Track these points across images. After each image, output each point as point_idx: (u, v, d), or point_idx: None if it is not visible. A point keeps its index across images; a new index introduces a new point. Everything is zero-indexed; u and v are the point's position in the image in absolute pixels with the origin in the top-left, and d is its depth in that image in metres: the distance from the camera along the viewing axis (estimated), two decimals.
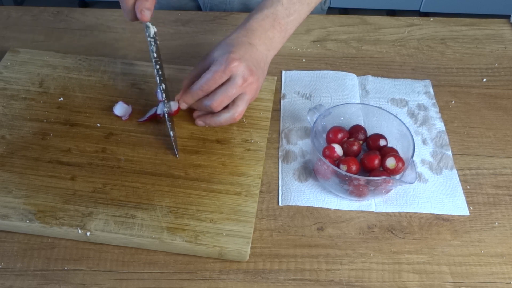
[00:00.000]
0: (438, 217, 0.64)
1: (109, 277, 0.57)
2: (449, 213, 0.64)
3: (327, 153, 0.65)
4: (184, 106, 0.70)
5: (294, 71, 0.83)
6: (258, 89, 0.70)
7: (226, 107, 0.68)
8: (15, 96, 0.74)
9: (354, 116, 0.71)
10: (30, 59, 0.80)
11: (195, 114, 0.71)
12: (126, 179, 0.64)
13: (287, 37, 0.73)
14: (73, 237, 0.60)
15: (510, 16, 0.96)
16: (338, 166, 0.63)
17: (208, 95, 0.67)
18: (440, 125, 0.75)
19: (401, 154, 0.65)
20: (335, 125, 0.69)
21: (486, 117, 0.77)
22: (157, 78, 0.66)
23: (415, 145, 0.64)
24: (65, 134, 0.69)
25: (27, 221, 0.59)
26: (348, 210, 0.64)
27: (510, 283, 0.58)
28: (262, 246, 0.60)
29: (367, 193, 0.63)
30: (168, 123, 0.67)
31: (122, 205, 0.61)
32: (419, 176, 0.68)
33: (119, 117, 0.72)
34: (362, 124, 0.71)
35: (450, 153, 0.71)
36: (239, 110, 0.67)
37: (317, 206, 0.64)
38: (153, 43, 0.64)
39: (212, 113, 0.69)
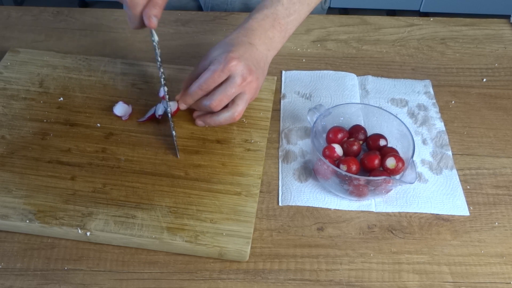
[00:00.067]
0: (438, 217, 0.64)
1: (109, 277, 0.57)
2: (449, 213, 0.64)
3: (327, 153, 0.65)
4: (183, 106, 0.70)
5: (294, 71, 0.83)
6: (257, 89, 0.70)
7: (226, 106, 0.68)
8: (15, 96, 0.74)
9: (354, 116, 0.71)
10: (30, 59, 0.80)
11: (195, 114, 0.72)
12: (126, 179, 0.64)
13: (287, 37, 0.73)
14: (73, 237, 0.60)
15: (510, 16, 0.96)
16: (338, 166, 0.63)
17: (207, 94, 0.67)
18: (440, 125, 0.75)
19: (401, 154, 0.65)
20: (335, 125, 0.69)
21: (486, 117, 0.77)
22: (162, 79, 0.67)
23: (415, 145, 0.64)
24: (65, 134, 0.69)
25: (27, 221, 0.59)
26: (348, 210, 0.64)
27: (510, 283, 0.58)
28: (262, 246, 0.60)
29: (367, 193, 0.63)
30: (171, 123, 0.68)
31: (122, 205, 0.61)
32: (419, 176, 0.68)
33: (119, 117, 0.72)
34: (362, 124, 0.71)
35: (450, 153, 0.71)
36: (238, 109, 0.67)
37: (317, 206, 0.64)
38: (157, 48, 0.66)
39: (211, 113, 0.69)
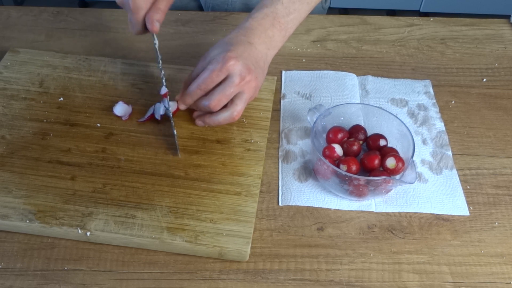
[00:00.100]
0: (438, 217, 0.64)
1: (109, 277, 0.57)
2: (449, 213, 0.64)
3: (327, 153, 0.65)
4: (183, 106, 0.70)
5: (294, 71, 0.83)
6: (257, 88, 0.70)
7: (225, 106, 0.68)
8: (15, 96, 0.74)
9: (354, 116, 0.71)
10: (30, 59, 0.80)
11: (195, 114, 0.72)
12: (126, 179, 0.64)
13: (287, 36, 0.73)
14: (73, 237, 0.60)
15: (510, 16, 0.96)
16: (338, 166, 0.63)
17: (206, 94, 0.67)
18: (440, 125, 0.75)
19: (401, 154, 0.65)
20: (335, 125, 0.69)
21: (486, 117, 0.77)
22: (163, 80, 0.68)
23: (415, 145, 0.64)
24: (65, 134, 0.69)
25: (27, 221, 0.59)
26: (348, 210, 0.64)
27: (510, 283, 0.58)
28: (262, 246, 0.60)
29: (367, 193, 0.63)
30: (172, 122, 0.68)
31: (122, 205, 0.61)
32: (419, 176, 0.68)
33: (119, 117, 0.72)
34: (362, 124, 0.71)
35: (450, 153, 0.71)
36: (237, 109, 0.67)
37: (317, 206, 0.64)
38: (158, 51, 0.68)
39: (211, 112, 0.69)
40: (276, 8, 0.71)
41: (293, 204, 0.64)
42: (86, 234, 0.58)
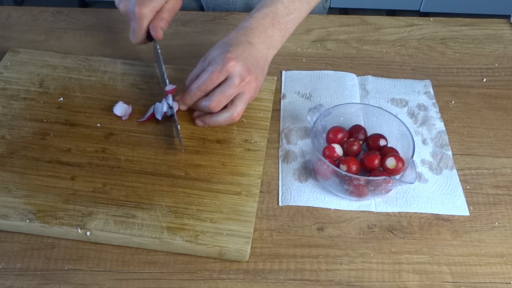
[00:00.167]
0: (438, 217, 0.64)
1: (109, 277, 0.57)
2: (449, 213, 0.64)
3: (327, 153, 0.65)
4: (183, 107, 0.70)
5: (294, 71, 0.83)
6: (257, 88, 0.70)
7: (225, 106, 0.68)
8: (15, 96, 0.74)
9: (354, 116, 0.71)
10: (30, 59, 0.80)
11: (195, 114, 0.72)
12: (126, 179, 0.64)
13: (287, 36, 0.73)
14: (73, 237, 0.60)
15: (510, 16, 0.96)
16: (338, 166, 0.63)
17: (207, 95, 0.67)
18: (440, 125, 0.75)
19: (401, 154, 0.65)
20: (335, 125, 0.69)
21: (486, 117, 0.77)
22: (167, 81, 0.71)
23: (415, 145, 0.64)
24: (65, 134, 0.69)
25: (27, 221, 0.59)
26: (348, 210, 0.64)
27: (510, 283, 0.58)
28: (262, 246, 0.60)
29: (367, 193, 0.63)
30: (174, 117, 0.68)
31: (122, 205, 0.61)
32: (419, 176, 0.68)
33: (119, 117, 0.72)
34: (362, 124, 0.71)
35: (450, 153, 0.71)
36: (237, 110, 0.67)
37: (317, 206, 0.64)
38: (160, 57, 0.72)
39: (211, 113, 0.69)
40: (276, 8, 0.71)
41: (293, 204, 0.64)
42: (86, 234, 0.58)
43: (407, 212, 0.64)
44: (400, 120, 0.67)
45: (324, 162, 0.62)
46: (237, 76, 0.65)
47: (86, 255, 0.59)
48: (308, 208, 0.64)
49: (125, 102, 0.72)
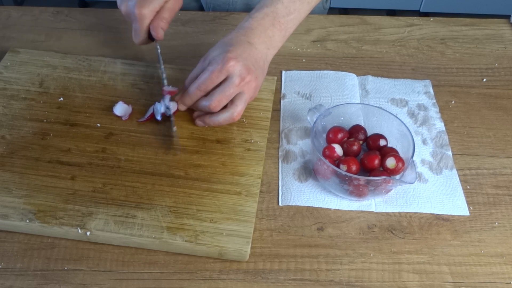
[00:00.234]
0: (438, 217, 0.64)
1: (109, 277, 0.57)
2: (449, 213, 0.64)
3: (327, 153, 0.65)
4: (182, 107, 0.70)
5: (294, 71, 0.83)
6: (257, 88, 0.70)
7: (225, 106, 0.68)
8: (15, 96, 0.74)
9: (354, 116, 0.71)
10: (30, 59, 0.80)
11: (195, 114, 0.72)
12: (126, 179, 0.64)
13: (287, 35, 0.73)
14: (73, 237, 0.60)
15: (510, 16, 0.96)
16: (338, 166, 0.63)
17: (207, 95, 0.67)
18: (440, 125, 0.75)
19: (401, 154, 0.65)
20: (335, 125, 0.69)
21: (486, 117, 0.77)
22: (165, 81, 0.70)
23: (415, 145, 0.64)
24: (65, 134, 0.69)
25: (27, 221, 0.59)
26: (348, 210, 0.64)
27: (510, 283, 0.58)
28: (262, 246, 0.60)
29: (367, 193, 0.63)
30: (172, 119, 0.68)
31: (122, 204, 0.61)
32: (419, 176, 0.68)
33: (119, 117, 0.72)
34: (362, 124, 0.71)
35: (450, 153, 0.71)
36: (237, 109, 0.67)
37: (317, 206, 0.64)
38: (160, 58, 0.72)
39: (211, 113, 0.69)
40: (276, 8, 0.71)
41: (293, 204, 0.64)
42: (86, 234, 0.58)
43: (407, 212, 0.64)
44: (400, 120, 0.67)
45: (324, 162, 0.62)
46: (237, 75, 0.65)
47: (86, 255, 0.59)
48: (308, 208, 0.64)
49: (125, 102, 0.72)
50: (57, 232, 0.59)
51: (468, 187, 0.67)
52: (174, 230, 0.59)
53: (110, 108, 0.72)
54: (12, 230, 0.60)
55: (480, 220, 0.64)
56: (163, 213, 0.60)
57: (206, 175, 0.65)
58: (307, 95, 0.79)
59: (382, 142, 0.67)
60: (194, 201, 0.62)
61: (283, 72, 0.83)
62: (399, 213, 0.64)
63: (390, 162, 0.63)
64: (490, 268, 0.59)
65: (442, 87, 0.81)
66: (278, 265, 0.59)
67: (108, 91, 0.76)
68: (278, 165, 0.69)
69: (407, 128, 0.65)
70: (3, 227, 0.60)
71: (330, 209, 0.64)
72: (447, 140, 0.73)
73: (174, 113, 0.70)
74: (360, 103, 0.76)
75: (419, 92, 0.80)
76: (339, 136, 0.68)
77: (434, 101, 0.79)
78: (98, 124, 0.71)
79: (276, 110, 0.76)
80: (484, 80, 0.83)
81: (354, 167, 0.63)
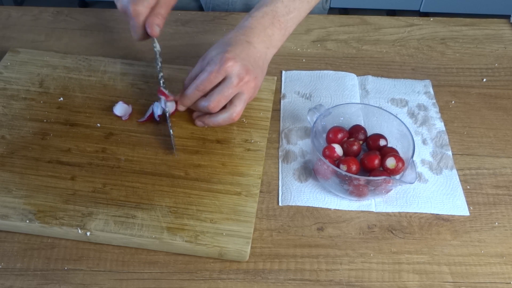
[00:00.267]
0: (438, 217, 0.64)
1: (109, 277, 0.57)
2: (449, 213, 0.64)
3: (327, 153, 0.65)
4: (181, 108, 0.70)
5: (294, 71, 0.83)
6: (256, 88, 0.69)
7: (225, 107, 0.68)
8: (15, 96, 0.74)
9: (354, 116, 0.71)
10: (30, 59, 0.80)
11: (194, 114, 0.71)
12: (126, 179, 0.64)
13: (287, 35, 0.73)
14: (73, 237, 0.60)
15: (510, 16, 0.96)
16: (338, 166, 0.63)
17: (205, 95, 0.67)
18: (440, 125, 0.75)
19: (401, 154, 0.65)
20: (335, 125, 0.69)
21: (486, 117, 0.77)
22: (161, 82, 0.69)
23: (415, 145, 0.64)
24: (65, 134, 0.69)
25: (27, 221, 0.59)
26: (348, 210, 0.64)
27: (510, 283, 0.58)
28: (262, 246, 0.60)
29: (367, 193, 0.63)
30: (168, 122, 0.68)
31: (122, 205, 0.61)
32: (419, 176, 0.68)
33: (119, 117, 0.72)
34: (362, 124, 0.71)
35: (450, 153, 0.71)
36: (237, 110, 0.67)
37: (317, 206, 0.64)
38: (158, 56, 0.69)
39: (210, 113, 0.69)
40: (276, 7, 0.70)
41: (293, 204, 0.64)
42: (86, 234, 0.58)
43: (407, 212, 0.64)
44: (400, 120, 0.67)
45: (324, 162, 0.62)
46: (235, 76, 0.65)
47: (86, 255, 0.59)
48: (308, 208, 0.64)
49: (125, 102, 0.72)
50: (57, 232, 0.59)
51: (468, 187, 0.67)
52: (174, 230, 0.59)
53: (110, 108, 0.72)
54: (12, 230, 0.60)
55: (480, 220, 0.64)
56: (163, 213, 0.60)
57: (206, 175, 0.65)
58: (307, 95, 0.79)
59: (382, 142, 0.67)
60: (194, 201, 0.62)
61: (283, 72, 0.83)
62: (399, 213, 0.64)
63: (390, 162, 0.63)
64: (490, 268, 0.59)
65: (442, 87, 0.81)
66: (278, 265, 0.59)
67: (108, 91, 0.76)
68: (278, 165, 0.69)
69: (407, 128, 0.65)
70: (3, 227, 0.60)
71: (330, 209, 0.64)
72: (447, 140, 0.73)
73: (173, 113, 0.70)
74: (360, 103, 0.76)
75: (419, 92, 0.80)
76: (339, 136, 0.68)
77: (434, 101, 0.79)
78: (98, 124, 0.71)
79: (276, 110, 0.76)
80: (484, 80, 0.83)
81: (354, 167, 0.63)
